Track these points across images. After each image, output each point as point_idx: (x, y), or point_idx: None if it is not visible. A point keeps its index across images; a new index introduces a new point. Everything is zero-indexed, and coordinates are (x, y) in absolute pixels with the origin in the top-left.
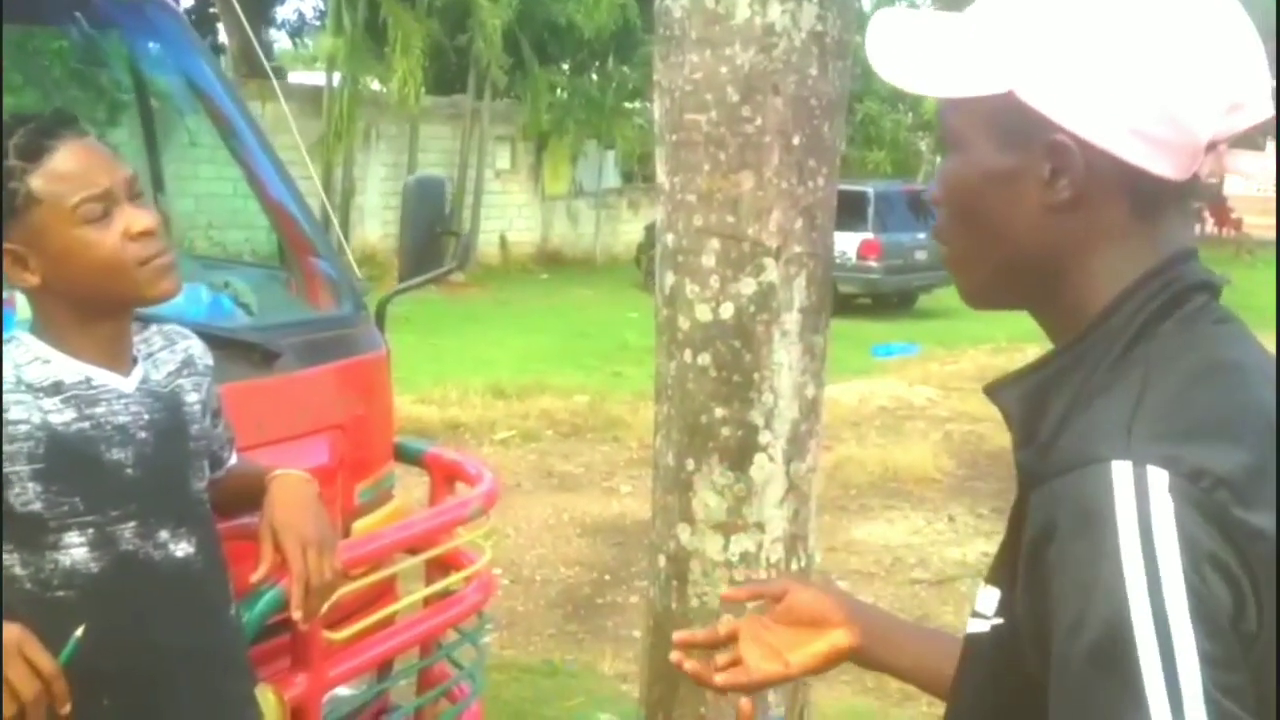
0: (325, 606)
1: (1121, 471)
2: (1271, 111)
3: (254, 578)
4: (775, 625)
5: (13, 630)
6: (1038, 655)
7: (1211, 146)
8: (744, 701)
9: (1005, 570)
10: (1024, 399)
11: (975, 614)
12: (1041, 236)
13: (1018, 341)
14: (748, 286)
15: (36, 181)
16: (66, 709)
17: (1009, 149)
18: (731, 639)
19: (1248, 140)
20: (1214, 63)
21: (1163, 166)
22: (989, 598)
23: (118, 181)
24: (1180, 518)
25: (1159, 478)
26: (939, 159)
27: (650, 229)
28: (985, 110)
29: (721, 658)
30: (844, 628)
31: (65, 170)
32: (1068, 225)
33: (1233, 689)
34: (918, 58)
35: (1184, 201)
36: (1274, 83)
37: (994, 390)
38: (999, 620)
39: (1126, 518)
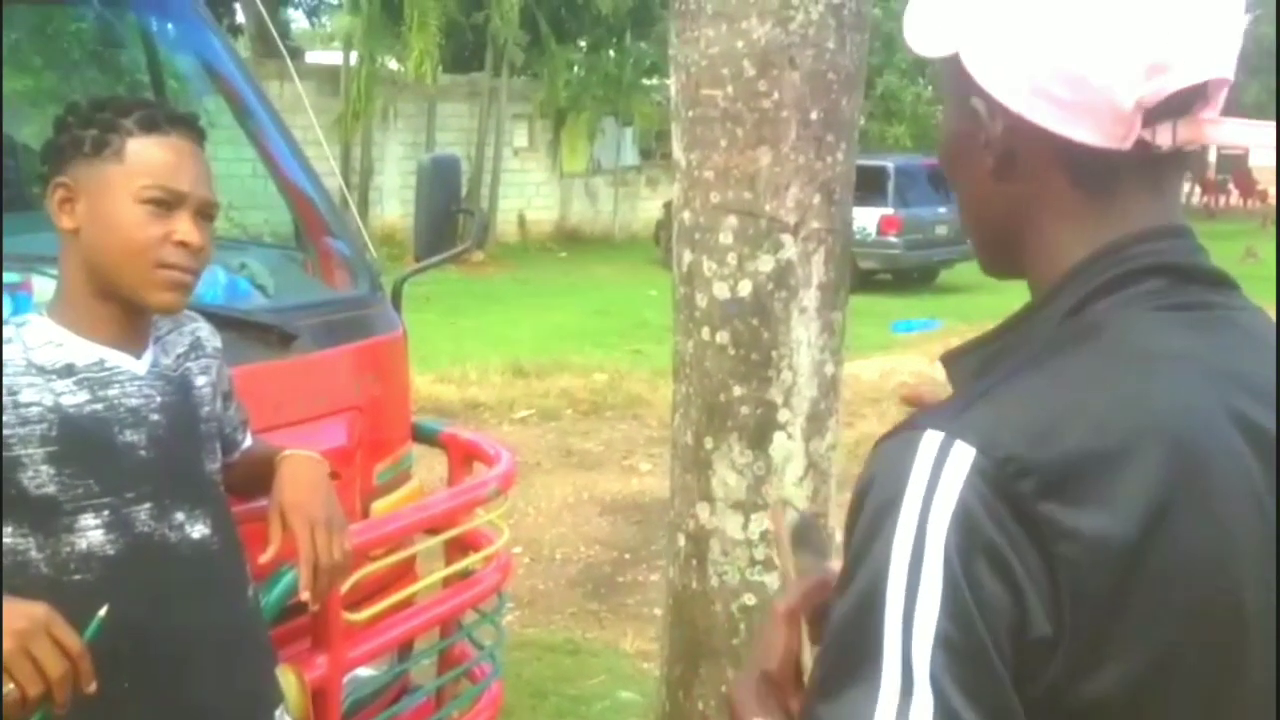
0: (345, 587)
1: (930, 441)
2: (1212, 74)
3: (262, 558)
4: None
5: (38, 609)
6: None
7: (1148, 111)
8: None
9: None
10: (974, 375)
11: None
12: (994, 206)
13: None
14: (766, 263)
15: (133, 145)
16: (92, 687)
17: (960, 113)
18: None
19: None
20: (1125, 22)
21: (1083, 132)
22: None
23: (196, 195)
24: (965, 498)
25: (963, 454)
26: None
27: (669, 206)
28: (948, 71)
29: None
30: None
31: (160, 155)
32: (1011, 195)
33: (964, 680)
34: (917, 14)
35: (1148, 175)
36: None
37: (947, 359)
38: None
39: (915, 488)
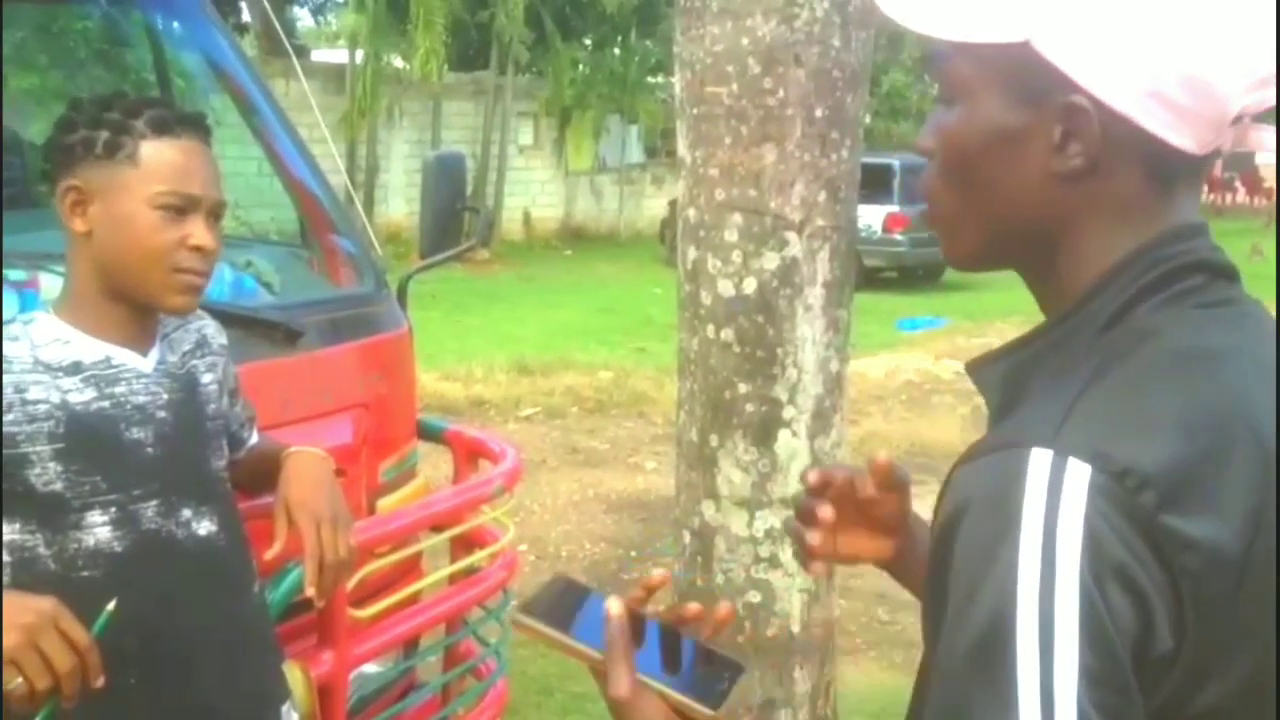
0: (351, 583)
1: (1039, 459)
2: None
3: (268, 555)
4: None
5: (45, 603)
6: (931, 640)
7: (1237, 120)
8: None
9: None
10: (1003, 380)
11: None
12: (1042, 205)
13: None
14: (770, 261)
15: (146, 149)
16: (100, 681)
17: (1018, 106)
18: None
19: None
20: (1244, 33)
21: (1184, 138)
22: None
23: (209, 196)
24: (1091, 519)
25: (1079, 472)
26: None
27: (674, 204)
28: (997, 59)
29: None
30: (895, 540)
31: (174, 158)
32: (1072, 195)
33: (1109, 708)
34: None
35: (1197, 176)
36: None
37: (976, 368)
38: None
39: (1033, 510)
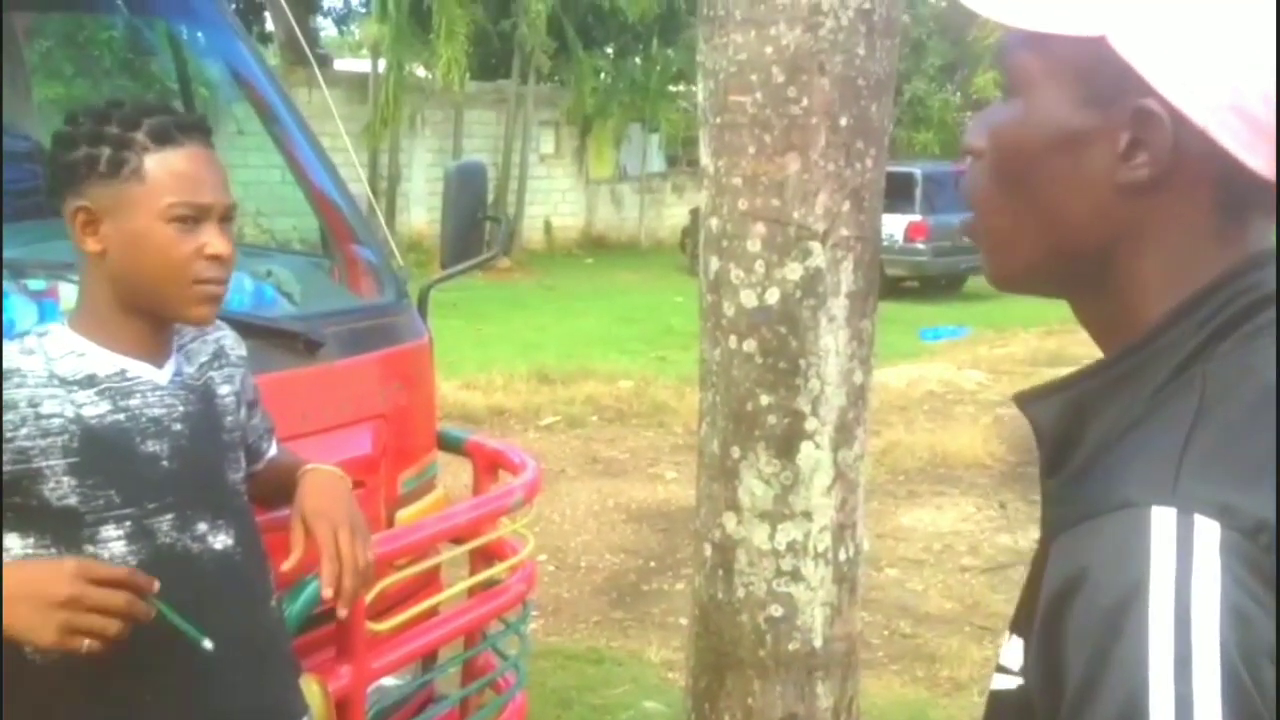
0: (370, 596)
1: (1163, 520)
2: None
3: (285, 565)
4: None
5: (65, 568)
6: None
7: None
8: None
9: (1027, 620)
10: (1061, 416)
11: (1000, 668)
12: (1099, 218)
13: (1071, 324)
14: (794, 271)
15: (150, 163)
16: (155, 586)
17: (1085, 106)
18: None
19: None
20: None
21: (1259, 159)
22: (1014, 649)
23: (219, 202)
24: (1228, 588)
25: (1208, 531)
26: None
27: (695, 213)
28: (1068, 53)
29: None
30: None
31: (180, 168)
32: (1134, 210)
33: None
34: None
35: (1267, 199)
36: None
37: (1027, 401)
38: (1023, 680)
39: (1162, 578)
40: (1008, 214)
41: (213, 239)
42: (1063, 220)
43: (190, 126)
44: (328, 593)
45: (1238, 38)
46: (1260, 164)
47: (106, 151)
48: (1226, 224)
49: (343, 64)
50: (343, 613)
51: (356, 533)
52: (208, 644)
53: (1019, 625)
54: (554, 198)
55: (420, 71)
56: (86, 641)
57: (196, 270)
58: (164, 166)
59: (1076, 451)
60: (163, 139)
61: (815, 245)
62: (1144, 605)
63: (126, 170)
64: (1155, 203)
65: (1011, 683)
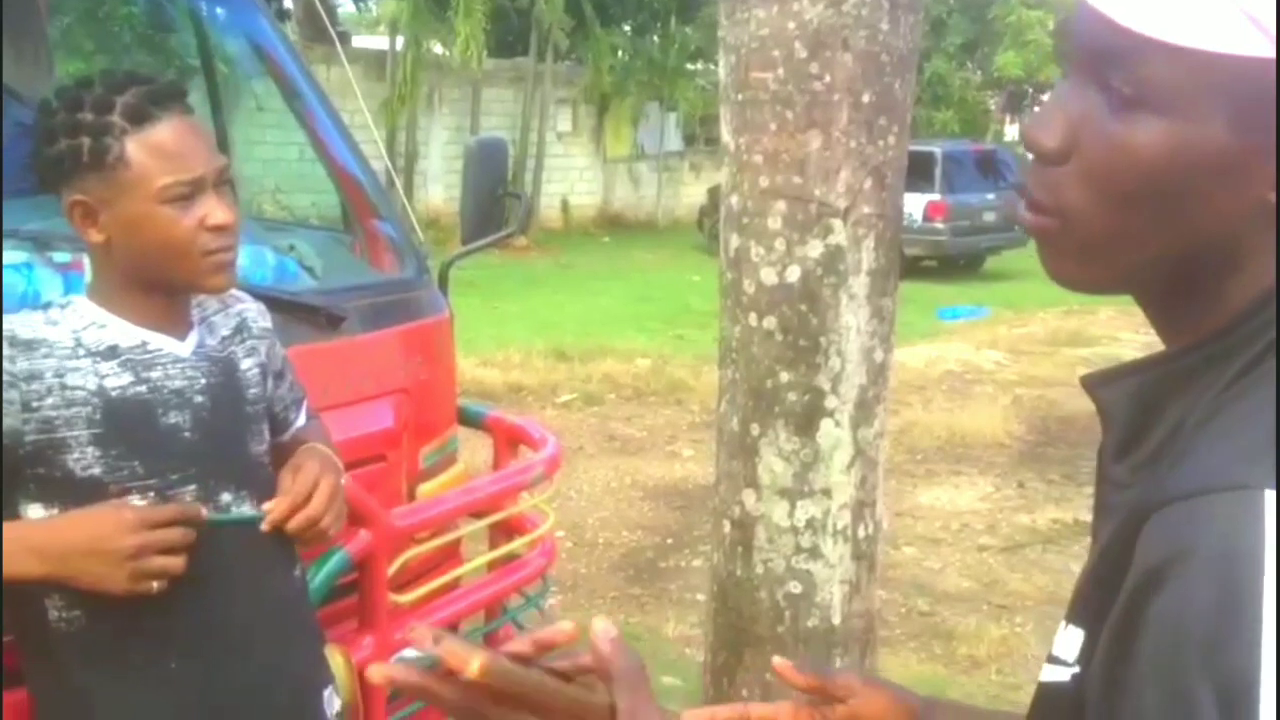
0: (393, 568)
1: (1275, 504)
2: None
3: (266, 506)
4: None
5: (124, 518)
6: (1106, 712)
7: None
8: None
9: (1092, 608)
10: (1134, 399)
11: (1052, 658)
12: (1232, 238)
13: (1089, 303)
14: (815, 249)
15: (132, 146)
16: (204, 513)
17: (1245, 130)
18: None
19: None
20: None
21: None
22: (1070, 640)
23: (210, 169)
24: None
25: None
26: (1011, 118)
27: (712, 191)
28: (1226, 73)
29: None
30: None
31: (164, 146)
32: (1264, 227)
33: None
34: None
35: None
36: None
37: (1096, 383)
38: (1079, 669)
39: (1275, 563)
40: (1114, 225)
41: (212, 209)
42: (1188, 238)
43: (164, 96)
44: (272, 514)
45: None
46: None
47: (86, 141)
48: None
49: (360, 41)
50: (265, 528)
51: (336, 490)
52: (263, 516)
53: (1076, 614)
54: (571, 176)
55: (438, 49)
56: (155, 583)
57: (202, 243)
58: (147, 148)
59: (1148, 437)
60: (140, 118)
61: (836, 223)
62: (1260, 586)
63: (110, 158)
64: (1258, 211)
65: (1065, 674)
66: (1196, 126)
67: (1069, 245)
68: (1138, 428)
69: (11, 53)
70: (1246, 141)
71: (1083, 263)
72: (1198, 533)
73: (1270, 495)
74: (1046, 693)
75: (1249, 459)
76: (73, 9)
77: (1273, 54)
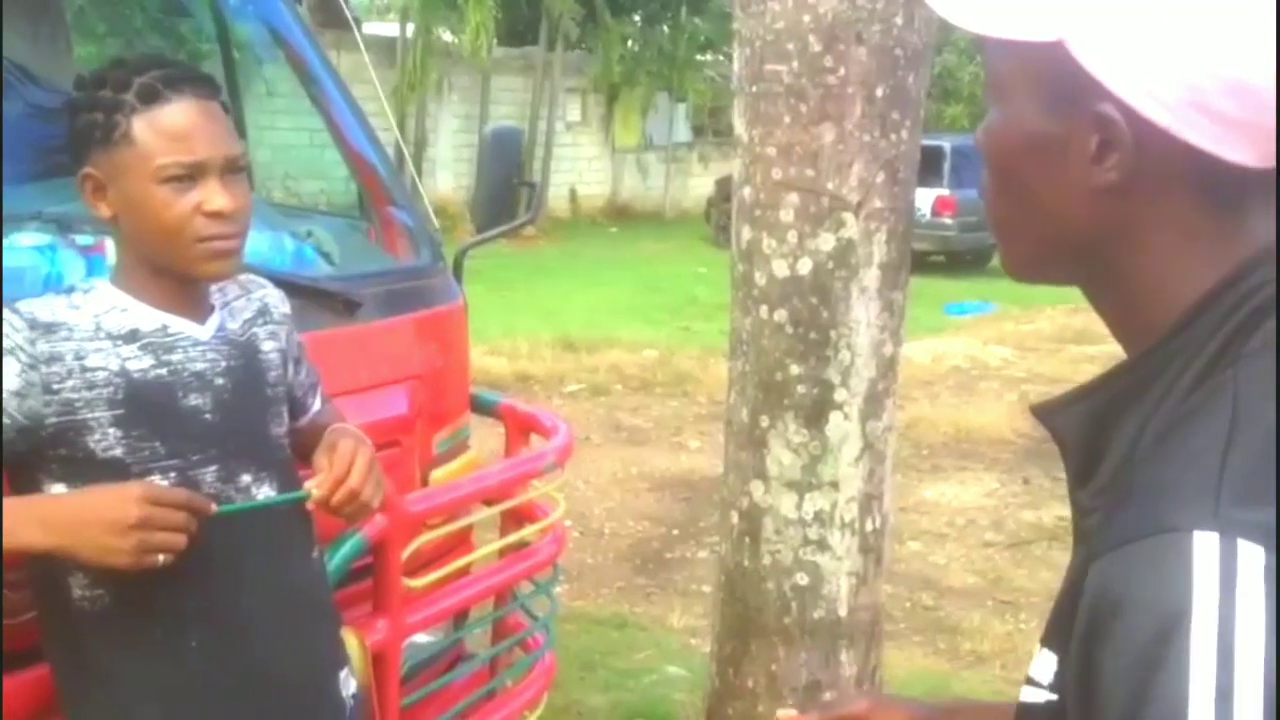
0: (406, 553)
1: (1204, 546)
2: None
3: (309, 485)
4: None
5: (130, 493)
6: None
7: None
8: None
9: (1060, 636)
10: (1086, 424)
11: (1030, 680)
12: (1087, 219)
13: None
14: (826, 242)
15: (138, 124)
16: (212, 509)
17: (1054, 112)
18: None
19: None
20: None
21: (1239, 152)
22: (1045, 664)
23: (215, 155)
24: (1273, 617)
25: (1252, 557)
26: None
27: (720, 183)
28: (1033, 59)
29: None
30: None
31: (168, 127)
32: (1119, 211)
33: None
34: None
35: (1266, 189)
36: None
37: (1046, 411)
38: (1054, 696)
39: (1205, 608)
40: (1004, 209)
41: (211, 195)
42: (1050, 219)
43: (182, 80)
44: (318, 492)
45: (1189, 32)
46: (1241, 155)
47: (100, 117)
48: (1221, 221)
49: (370, 27)
50: (310, 505)
51: (374, 463)
52: (310, 494)
53: (1051, 639)
54: (580, 166)
55: (448, 36)
56: (161, 557)
57: (196, 229)
58: (150, 126)
59: (1103, 462)
60: (150, 97)
61: (848, 216)
62: (1185, 635)
63: (118, 134)
64: (1136, 203)
65: (1040, 696)
66: (1016, 110)
67: (994, 233)
68: (1093, 454)
69: (29, 36)
70: (1054, 123)
71: (1002, 247)
72: (1129, 580)
73: (1199, 536)
74: (1025, 713)
75: (1179, 500)
76: None
77: (1057, 37)
